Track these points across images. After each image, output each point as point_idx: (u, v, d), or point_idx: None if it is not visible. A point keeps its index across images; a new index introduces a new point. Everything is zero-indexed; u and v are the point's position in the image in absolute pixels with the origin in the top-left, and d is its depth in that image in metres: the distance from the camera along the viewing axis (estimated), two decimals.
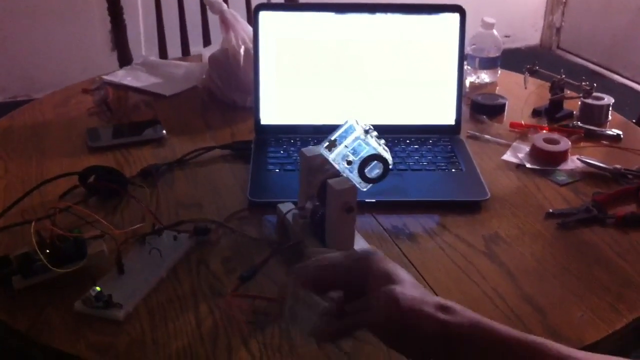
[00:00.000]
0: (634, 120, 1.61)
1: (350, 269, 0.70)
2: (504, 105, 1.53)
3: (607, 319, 0.93)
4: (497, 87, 1.67)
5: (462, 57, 1.37)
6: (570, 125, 1.45)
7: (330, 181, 0.96)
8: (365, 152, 0.96)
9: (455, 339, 0.64)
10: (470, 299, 0.96)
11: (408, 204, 1.17)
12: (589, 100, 1.48)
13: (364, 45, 1.35)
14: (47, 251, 0.92)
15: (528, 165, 1.29)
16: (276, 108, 1.36)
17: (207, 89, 1.57)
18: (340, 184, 0.96)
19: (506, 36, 4.02)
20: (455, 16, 1.35)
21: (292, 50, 1.34)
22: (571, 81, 1.51)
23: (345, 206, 0.96)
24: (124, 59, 2.06)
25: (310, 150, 1.01)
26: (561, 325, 0.91)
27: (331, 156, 0.96)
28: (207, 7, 1.57)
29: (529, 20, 4.42)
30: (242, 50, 1.50)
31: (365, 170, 0.96)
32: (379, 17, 1.34)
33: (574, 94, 1.52)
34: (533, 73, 1.59)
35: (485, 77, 1.69)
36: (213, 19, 1.69)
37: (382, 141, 0.98)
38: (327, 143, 0.97)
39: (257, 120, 1.35)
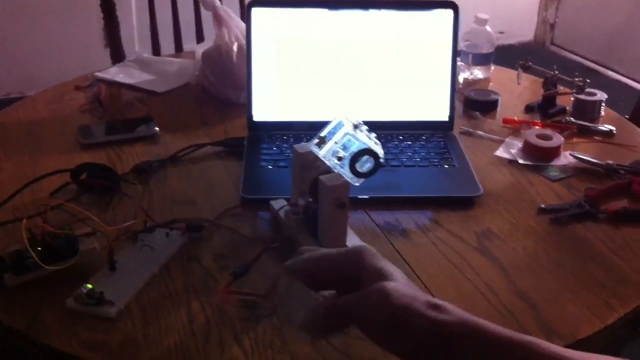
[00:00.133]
0: (627, 116, 1.61)
1: (341, 265, 0.70)
2: (496, 101, 1.53)
3: (600, 314, 0.93)
4: (490, 83, 1.68)
5: (456, 53, 1.37)
6: (563, 121, 1.45)
7: (322, 177, 0.96)
8: (355, 147, 0.96)
9: (446, 338, 0.64)
10: (463, 295, 0.96)
11: (401, 200, 1.17)
12: (582, 96, 1.48)
13: (357, 42, 1.34)
14: (39, 248, 0.92)
15: (521, 161, 1.30)
16: (269, 105, 1.35)
17: (200, 86, 1.57)
18: (332, 180, 0.96)
19: (500, 32, 4.02)
20: (449, 12, 1.34)
21: (285, 47, 1.34)
22: (564, 77, 1.51)
23: (338, 202, 0.96)
24: (117, 56, 2.05)
25: (302, 146, 1.01)
26: (554, 320, 0.91)
27: (321, 153, 0.96)
28: (200, 3, 1.57)
29: (523, 17, 4.42)
30: (235, 47, 1.49)
31: (356, 165, 0.96)
32: (372, 13, 1.33)
33: (566, 90, 1.52)
34: (526, 69, 1.59)
35: (478, 73, 1.69)
36: (206, 16, 1.69)
37: (373, 135, 0.98)
38: (317, 140, 0.97)
39: (250, 116, 1.35)
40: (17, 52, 3.41)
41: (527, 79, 1.63)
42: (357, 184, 0.98)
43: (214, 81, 1.53)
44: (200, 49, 1.60)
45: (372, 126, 1.00)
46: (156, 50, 2.09)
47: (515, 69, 1.60)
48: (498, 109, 1.52)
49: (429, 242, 1.07)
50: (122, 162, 1.28)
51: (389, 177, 1.22)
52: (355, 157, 0.95)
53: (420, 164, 1.26)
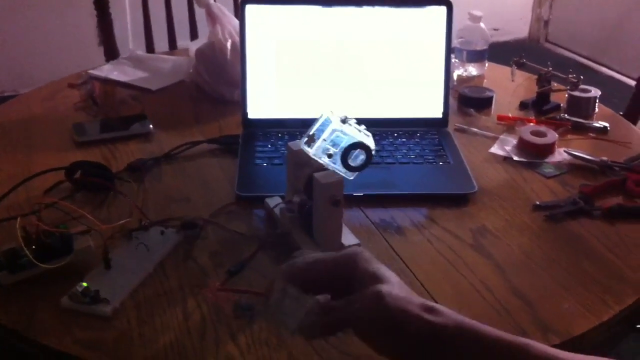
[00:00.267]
0: (621, 113, 1.61)
1: (336, 269, 0.70)
2: (491, 98, 1.53)
3: (595, 311, 0.93)
4: (485, 80, 1.68)
5: (450, 50, 1.37)
6: (558, 117, 1.45)
7: (316, 175, 0.96)
8: (344, 143, 0.96)
9: (440, 340, 0.64)
10: (459, 292, 0.96)
11: (396, 198, 1.17)
12: (576, 93, 1.48)
13: (351, 39, 1.34)
14: (34, 247, 0.92)
15: (515, 158, 1.30)
16: (264, 102, 1.35)
17: (194, 83, 1.57)
18: (326, 178, 0.96)
19: (494, 29, 4.02)
20: (442, 9, 1.34)
21: (279, 44, 1.34)
22: (558, 74, 1.51)
23: (332, 200, 0.96)
24: (111, 53, 2.05)
25: (297, 144, 1.01)
26: (549, 317, 0.91)
27: (311, 151, 0.96)
28: (194, 0, 1.56)
29: (517, 14, 4.42)
30: (228, 44, 1.49)
31: (349, 160, 0.96)
32: (366, 10, 1.33)
33: (561, 87, 1.52)
34: (520, 66, 1.59)
35: (472, 70, 1.69)
36: (200, 13, 1.68)
37: (363, 126, 0.98)
38: (307, 138, 0.97)
39: (245, 114, 1.35)
40: (11, 50, 3.40)
41: (521, 75, 1.63)
42: (351, 178, 0.98)
43: (208, 79, 1.53)
44: (194, 47, 1.59)
45: (367, 123, 1.00)
46: (150, 47, 2.08)
47: (510, 66, 1.60)
48: (492, 106, 1.52)
49: (424, 240, 1.07)
50: (117, 160, 1.27)
51: (383, 174, 1.22)
52: (346, 152, 0.95)
53: (415, 161, 1.26)
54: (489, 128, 1.42)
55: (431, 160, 1.27)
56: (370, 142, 0.97)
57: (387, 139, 1.32)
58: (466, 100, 1.52)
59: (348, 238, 1.02)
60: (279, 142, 1.30)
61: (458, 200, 1.17)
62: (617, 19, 3.93)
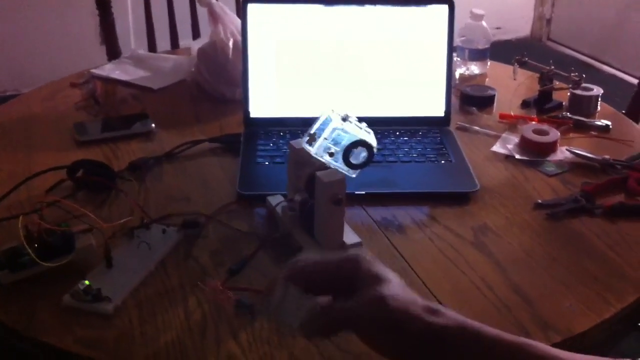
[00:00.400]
0: (623, 111, 1.61)
1: (339, 269, 0.70)
2: (493, 97, 1.53)
3: (596, 309, 0.93)
4: (487, 79, 1.67)
5: (452, 48, 1.37)
6: (559, 116, 1.45)
7: (318, 173, 0.96)
8: (345, 141, 0.96)
9: (441, 340, 0.64)
10: (459, 290, 0.96)
11: (397, 196, 1.17)
12: (578, 91, 1.48)
13: (353, 37, 1.34)
14: (35, 245, 0.92)
15: (517, 156, 1.30)
16: (265, 101, 1.35)
17: (195, 82, 1.57)
18: (328, 176, 0.96)
19: (497, 28, 4.02)
20: (444, 8, 1.34)
21: (280, 43, 1.34)
22: (560, 72, 1.51)
23: (334, 198, 0.96)
24: (113, 52, 2.05)
25: (299, 142, 1.01)
26: (550, 315, 0.91)
27: (313, 150, 0.96)
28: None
29: (519, 12, 4.42)
30: (230, 43, 1.49)
31: (350, 158, 0.96)
32: (368, 9, 1.33)
33: (563, 85, 1.52)
34: (522, 64, 1.59)
35: (474, 68, 1.69)
36: (202, 12, 1.68)
37: (364, 124, 0.98)
38: (308, 137, 0.97)
39: (247, 113, 1.35)
40: (12, 49, 3.40)
41: (523, 74, 1.63)
42: (353, 176, 0.98)
43: (209, 78, 1.53)
44: (195, 46, 1.59)
45: (369, 122, 1.00)
46: (152, 46, 2.09)
47: (512, 64, 1.60)
48: (494, 104, 1.52)
49: (426, 238, 1.07)
50: (118, 159, 1.27)
51: (385, 173, 1.22)
52: (348, 150, 0.95)
53: (417, 160, 1.26)
54: (491, 126, 1.42)
55: (433, 159, 1.27)
56: (371, 139, 0.97)
57: (389, 137, 1.32)
58: (468, 98, 1.52)
59: (349, 236, 1.02)
60: (281, 141, 1.30)
61: (460, 199, 1.17)
62: (620, 17, 3.93)
